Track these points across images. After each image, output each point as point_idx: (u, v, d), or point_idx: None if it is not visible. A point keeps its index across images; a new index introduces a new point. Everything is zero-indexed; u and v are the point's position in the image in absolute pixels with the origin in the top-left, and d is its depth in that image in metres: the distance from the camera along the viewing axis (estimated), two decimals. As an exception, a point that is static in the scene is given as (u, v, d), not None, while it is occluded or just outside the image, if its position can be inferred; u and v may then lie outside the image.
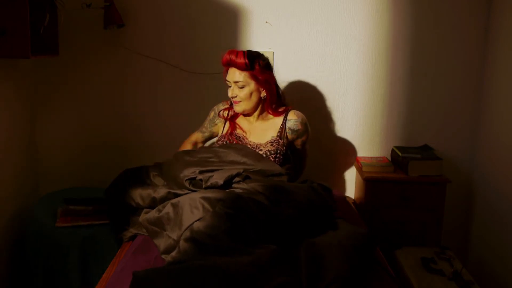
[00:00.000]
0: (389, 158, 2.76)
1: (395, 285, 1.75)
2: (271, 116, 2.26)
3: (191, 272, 1.38)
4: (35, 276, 2.24)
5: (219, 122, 2.36)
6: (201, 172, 1.96)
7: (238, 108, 2.22)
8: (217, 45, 2.69)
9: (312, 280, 1.48)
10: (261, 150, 2.17)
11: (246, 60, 2.12)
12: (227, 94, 2.24)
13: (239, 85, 2.17)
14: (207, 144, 2.49)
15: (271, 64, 2.34)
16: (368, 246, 1.78)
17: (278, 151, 2.16)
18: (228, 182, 1.92)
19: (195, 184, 1.94)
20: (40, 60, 2.67)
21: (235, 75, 2.16)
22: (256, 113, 2.26)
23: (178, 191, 1.92)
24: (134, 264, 1.72)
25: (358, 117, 2.78)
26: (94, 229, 2.22)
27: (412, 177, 2.54)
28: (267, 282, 1.38)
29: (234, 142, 2.23)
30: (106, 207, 2.22)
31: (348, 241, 1.70)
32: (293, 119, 2.24)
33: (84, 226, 2.23)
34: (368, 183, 2.55)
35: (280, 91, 2.31)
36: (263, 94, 2.21)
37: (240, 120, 2.31)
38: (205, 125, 2.41)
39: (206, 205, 1.71)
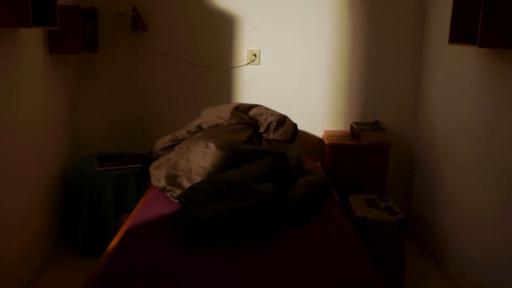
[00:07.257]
0: (349, 131, 3.59)
1: (339, 206, 2.60)
2: None
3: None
4: (81, 209, 3.05)
5: None
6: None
7: None
8: (216, 44, 3.53)
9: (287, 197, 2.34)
10: None
11: None
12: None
13: None
14: None
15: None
16: (326, 183, 2.66)
17: None
18: None
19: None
20: (84, 55, 3.49)
21: None
22: None
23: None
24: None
25: (326, 99, 3.60)
26: (123, 171, 3.08)
27: (364, 144, 3.35)
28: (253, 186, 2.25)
29: None
30: (131, 160, 3.14)
31: (313, 178, 2.58)
32: None
33: (116, 169, 3.09)
34: (331, 148, 3.38)
35: None
36: None
37: None
38: None
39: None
